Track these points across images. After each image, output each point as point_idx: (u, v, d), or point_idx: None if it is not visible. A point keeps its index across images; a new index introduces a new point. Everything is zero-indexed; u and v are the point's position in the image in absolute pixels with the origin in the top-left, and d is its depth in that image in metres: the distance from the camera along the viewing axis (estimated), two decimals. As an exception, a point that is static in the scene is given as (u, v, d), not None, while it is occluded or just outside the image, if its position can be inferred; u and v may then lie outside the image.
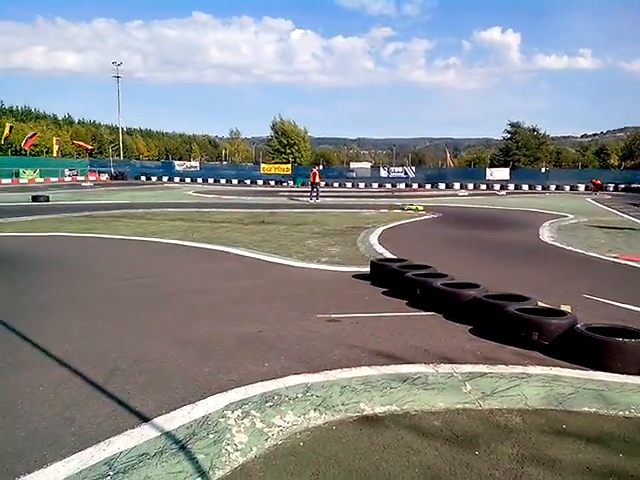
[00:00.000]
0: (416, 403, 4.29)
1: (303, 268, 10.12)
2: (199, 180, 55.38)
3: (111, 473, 3.23)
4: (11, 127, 45.96)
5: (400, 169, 57.29)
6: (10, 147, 50.86)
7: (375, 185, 51.98)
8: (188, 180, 55.43)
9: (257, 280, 9.06)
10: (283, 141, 68.34)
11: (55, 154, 52.00)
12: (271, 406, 4.18)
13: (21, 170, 45.33)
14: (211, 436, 3.69)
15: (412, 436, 3.78)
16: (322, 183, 32.59)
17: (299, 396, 4.37)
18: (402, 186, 50.63)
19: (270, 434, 3.79)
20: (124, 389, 4.44)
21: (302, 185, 47.25)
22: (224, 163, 77.36)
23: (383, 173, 56.33)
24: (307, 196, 29.27)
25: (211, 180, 55.16)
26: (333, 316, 6.71)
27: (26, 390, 4.43)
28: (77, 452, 3.47)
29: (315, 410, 4.15)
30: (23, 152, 51.92)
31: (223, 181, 54.75)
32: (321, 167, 50.02)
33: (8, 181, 42.16)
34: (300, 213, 21.84)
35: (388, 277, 8.36)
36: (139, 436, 3.67)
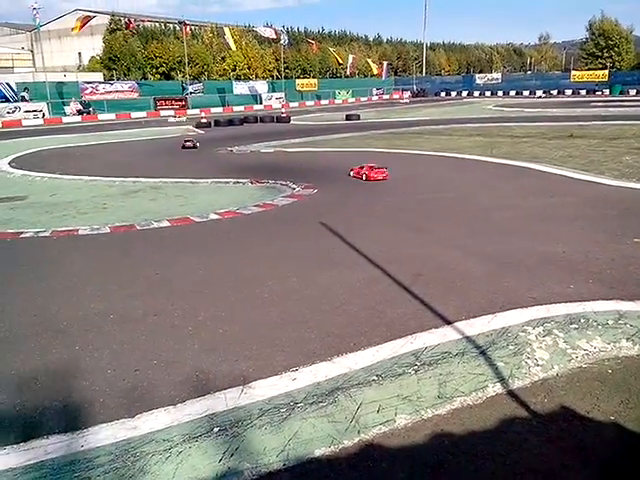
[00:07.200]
0: None
1: (618, 187, 9.02)
2: (499, 93, 52.82)
3: (418, 364, 3.58)
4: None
5: None
6: (329, 71, 55.95)
7: None
8: (488, 94, 53.32)
9: (562, 198, 8.45)
10: (601, 43, 59.02)
11: (376, 72, 54.88)
12: (576, 329, 3.99)
13: (337, 91, 50.14)
14: (511, 347, 3.75)
15: None
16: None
17: (609, 323, 4.06)
18: None
19: (574, 355, 3.66)
20: (427, 293, 4.76)
21: (620, 94, 41.04)
22: (528, 73, 71.48)
23: None
24: (627, 106, 25.29)
25: (512, 92, 52.07)
26: (655, 242, 5.90)
27: (344, 285, 5.12)
28: (389, 341, 3.92)
29: (628, 340, 3.82)
30: (338, 75, 56.64)
31: (526, 93, 51.15)
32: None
33: (326, 102, 47.27)
34: (620, 125, 19.12)
35: None
36: (442, 336, 3.95)
